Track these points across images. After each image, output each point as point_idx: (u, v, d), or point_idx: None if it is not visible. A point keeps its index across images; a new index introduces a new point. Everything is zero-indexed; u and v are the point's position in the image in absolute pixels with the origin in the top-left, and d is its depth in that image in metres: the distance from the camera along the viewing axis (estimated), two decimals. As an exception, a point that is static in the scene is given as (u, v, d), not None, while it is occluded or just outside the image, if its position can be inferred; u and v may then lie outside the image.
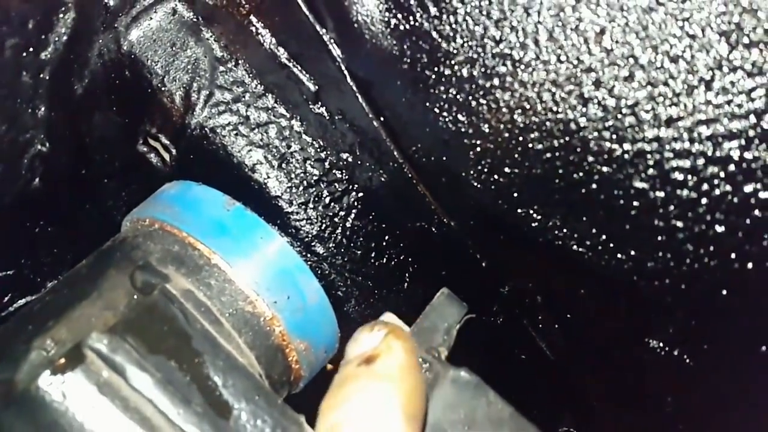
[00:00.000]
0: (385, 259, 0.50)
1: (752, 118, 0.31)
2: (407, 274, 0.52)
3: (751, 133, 0.32)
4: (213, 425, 0.32)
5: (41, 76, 0.35)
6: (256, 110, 0.44)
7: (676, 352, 0.43)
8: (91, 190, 0.50)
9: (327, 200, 0.46)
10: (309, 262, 0.46)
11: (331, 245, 0.47)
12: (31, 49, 0.33)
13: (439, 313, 0.42)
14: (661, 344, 0.43)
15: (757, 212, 0.33)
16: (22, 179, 0.38)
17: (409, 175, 0.45)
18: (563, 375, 0.57)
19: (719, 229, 0.34)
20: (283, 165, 0.45)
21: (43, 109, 0.36)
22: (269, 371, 0.41)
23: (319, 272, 0.47)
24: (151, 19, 0.44)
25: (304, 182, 0.45)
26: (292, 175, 0.45)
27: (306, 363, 0.43)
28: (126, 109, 0.46)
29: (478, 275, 0.50)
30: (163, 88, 0.44)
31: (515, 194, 0.41)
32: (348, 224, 0.47)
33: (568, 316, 0.48)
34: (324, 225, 0.46)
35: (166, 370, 0.32)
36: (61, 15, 0.34)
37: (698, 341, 0.41)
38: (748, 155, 0.32)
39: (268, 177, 0.44)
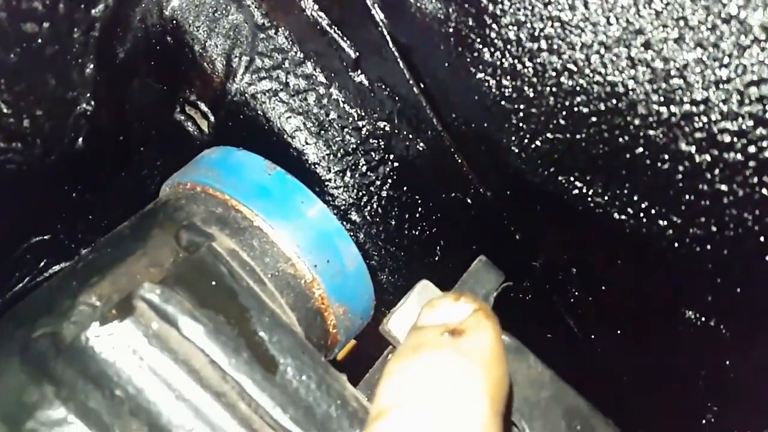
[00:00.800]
0: (418, 231, 0.50)
1: (806, 78, 0.31)
2: (440, 246, 0.52)
3: (804, 93, 0.31)
4: (263, 376, 0.32)
5: (91, 33, 0.35)
6: (296, 77, 0.45)
7: (712, 323, 0.43)
8: (128, 157, 0.50)
9: (363, 169, 0.46)
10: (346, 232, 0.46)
11: (366, 214, 0.47)
12: (83, 5, 0.34)
13: (477, 279, 0.43)
14: (698, 314, 0.43)
15: (806, 174, 0.33)
16: (67, 137, 0.38)
17: (447, 144, 0.45)
18: (591, 354, 0.57)
19: (765, 192, 0.34)
20: (322, 132, 0.45)
21: (90, 67, 0.37)
22: (309, 334, 0.42)
23: (354, 240, 0.47)
24: (193, -15, 0.44)
25: (342, 150, 0.45)
26: (330, 143, 0.45)
27: (343, 328, 0.43)
28: (166, 75, 0.46)
29: (511, 248, 0.51)
30: (204, 54, 0.44)
31: (557, 161, 0.41)
32: (383, 194, 0.47)
33: (603, 288, 0.48)
34: (360, 193, 0.46)
35: (216, 323, 0.33)
36: (111, -27, 0.35)
37: (736, 310, 0.41)
38: (799, 116, 0.32)
39: (307, 144, 0.45)
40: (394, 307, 0.44)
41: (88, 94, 0.37)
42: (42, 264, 0.49)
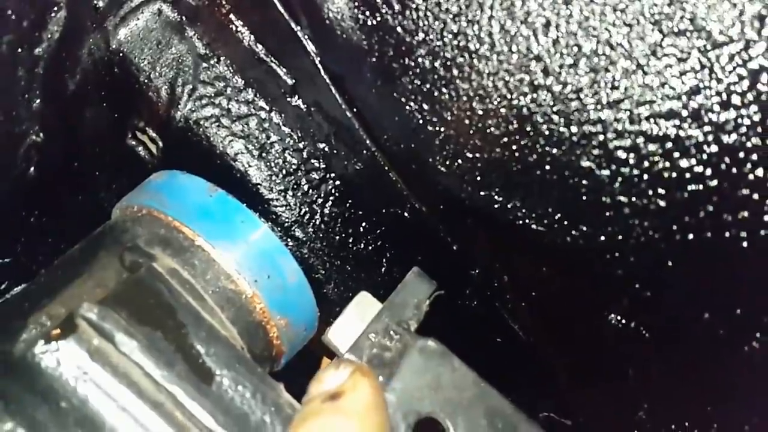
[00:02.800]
0: (362, 245, 0.53)
1: (684, 99, 0.34)
2: (384, 259, 0.55)
3: (684, 112, 0.35)
4: (196, 387, 0.35)
5: (35, 70, 0.38)
6: (237, 103, 0.47)
7: (632, 325, 0.46)
8: (83, 182, 0.53)
9: (305, 188, 0.49)
10: (289, 246, 0.49)
11: (309, 230, 0.50)
12: (25, 46, 0.36)
13: (410, 289, 0.45)
14: (619, 317, 0.46)
15: (692, 186, 0.36)
16: (18, 168, 0.41)
17: (382, 163, 0.48)
18: (537, 357, 0.60)
19: (661, 203, 0.37)
20: (263, 154, 0.48)
21: (37, 102, 0.39)
22: (251, 346, 0.44)
23: (299, 256, 0.50)
24: (138, 19, 0.47)
25: (283, 171, 0.48)
26: (272, 164, 0.48)
27: (286, 339, 0.46)
28: (115, 104, 0.49)
29: (450, 259, 0.53)
30: (149, 84, 0.47)
31: (478, 178, 0.44)
32: (326, 211, 0.50)
33: (533, 294, 0.51)
34: (303, 211, 0.49)
35: (152, 339, 0.35)
36: (53, 14, 0.37)
37: (651, 313, 0.44)
38: (681, 133, 0.35)
39: (249, 166, 0.47)
40: (335, 319, 0.46)
41: (37, 127, 0.40)
42: (3, 286, 0.51)
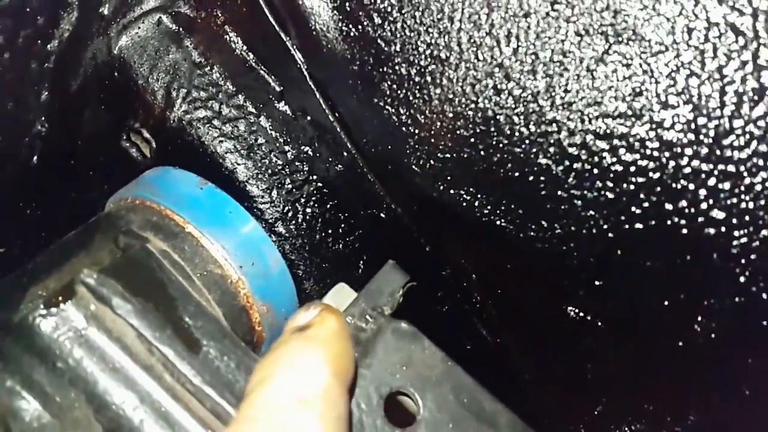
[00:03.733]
0: (341, 245, 0.57)
1: (628, 100, 0.39)
2: (361, 259, 0.58)
3: (628, 112, 0.39)
4: (186, 350, 0.38)
5: (45, 65, 0.42)
6: (228, 107, 0.51)
7: (589, 317, 0.50)
8: (78, 180, 0.56)
9: (289, 187, 0.53)
10: (272, 241, 0.52)
11: (292, 227, 0.53)
12: (39, 41, 0.40)
13: (384, 279, 0.49)
14: (576, 310, 0.50)
15: (637, 178, 0.40)
16: (23, 155, 0.44)
17: (361, 164, 0.52)
18: (503, 360, 0.63)
19: (609, 195, 0.42)
20: (251, 154, 0.51)
21: (45, 95, 0.43)
22: (234, 329, 0.47)
23: (281, 251, 0.53)
24: (138, 28, 0.51)
25: (269, 170, 0.52)
26: (258, 164, 0.52)
27: (267, 325, 0.49)
28: (113, 106, 0.52)
29: (423, 259, 0.57)
30: (147, 87, 0.51)
31: (448, 177, 0.48)
32: (308, 210, 0.54)
33: (499, 291, 0.54)
34: (286, 209, 0.53)
35: (144, 305, 0.38)
36: (66, 14, 0.41)
37: (604, 302, 0.48)
38: (626, 130, 0.40)
39: (237, 164, 0.51)
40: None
41: (43, 118, 0.44)
42: (-4, 276, 0.54)
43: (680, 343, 0.45)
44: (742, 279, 0.40)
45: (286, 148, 0.53)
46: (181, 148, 0.52)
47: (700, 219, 0.40)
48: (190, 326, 0.40)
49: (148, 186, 0.48)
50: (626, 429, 0.54)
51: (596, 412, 0.56)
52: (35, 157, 0.45)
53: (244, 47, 0.50)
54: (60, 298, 0.38)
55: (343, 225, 0.56)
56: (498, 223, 0.48)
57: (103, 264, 0.42)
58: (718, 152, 0.38)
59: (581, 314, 0.50)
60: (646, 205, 0.41)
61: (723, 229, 0.39)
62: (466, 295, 0.59)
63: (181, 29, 0.52)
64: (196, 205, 0.47)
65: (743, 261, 0.40)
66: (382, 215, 0.55)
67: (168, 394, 0.37)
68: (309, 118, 0.51)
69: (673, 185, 0.40)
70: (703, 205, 0.39)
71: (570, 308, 0.50)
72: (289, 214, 0.53)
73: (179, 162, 0.51)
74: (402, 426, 0.42)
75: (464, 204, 0.48)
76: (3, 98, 0.40)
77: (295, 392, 0.34)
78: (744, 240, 0.39)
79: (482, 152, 0.45)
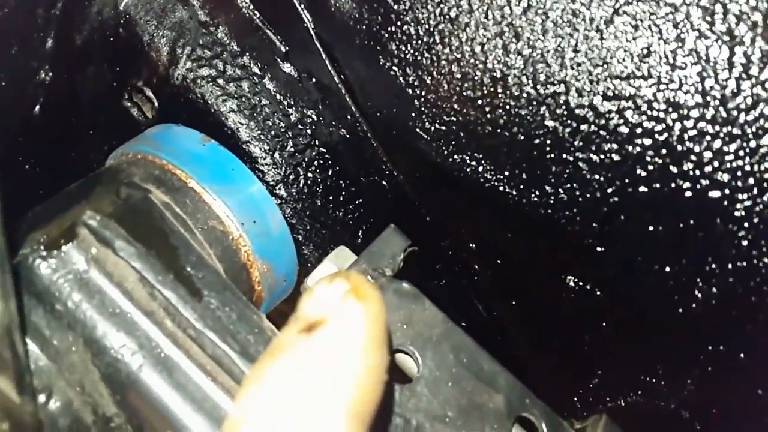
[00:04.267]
0: (341, 212, 0.56)
1: (636, 60, 0.39)
2: (361, 228, 0.58)
3: (637, 72, 0.39)
4: (188, 295, 0.37)
5: (52, 11, 0.41)
6: (233, 67, 0.51)
7: (589, 286, 0.50)
8: (77, 139, 0.55)
9: (291, 150, 0.53)
10: (273, 203, 0.52)
11: (293, 191, 0.53)
12: (46, -15, 0.40)
13: (386, 242, 0.49)
14: (576, 279, 0.50)
15: (643, 140, 0.40)
16: (25, 104, 0.44)
17: (365, 129, 0.52)
18: (499, 335, 0.63)
19: (615, 157, 0.42)
20: (254, 115, 0.51)
21: (50, 42, 0.42)
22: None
23: (282, 213, 0.53)
24: (145, -16, 0.51)
25: (272, 132, 0.52)
26: (261, 125, 0.51)
27: (267, 285, 0.49)
28: (117, 63, 0.52)
29: (423, 229, 0.57)
30: (151, 44, 0.51)
31: (453, 141, 0.48)
32: (309, 175, 0.54)
33: (498, 261, 0.54)
34: (288, 171, 0.52)
35: (147, 249, 0.38)
36: (74, -41, 0.41)
37: (605, 268, 0.48)
38: (633, 91, 0.40)
39: (240, 124, 0.51)
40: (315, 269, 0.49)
41: (47, 66, 0.43)
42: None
43: (680, 310, 0.45)
44: (744, 243, 0.40)
45: (290, 110, 0.52)
46: (184, 107, 0.51)
47: (705, 182, 0.40)
48: (192, 275, 0.40)
49: (150, 141, 0.48)
50: (621, 401, 0.54)
51: (591, 384, 0.56)
52: (37, 107, 0.44)
53: (251, 6, 0.50)
54: (61, 241, 0.37)
55: (344, 192, 0.56)
56: (501, 188, 0.48)
57: (105, 211, 0.42)
58: (724, 114, 0.38)
59: (581, 283, 0.50)
60: (651, 167, 0.41)
61: (727, 191, 0.40)
62: (463, 268, 0.59)
63: (187, -13, 0.51)
64: (199, 161, 0.47)
65: (746, 224, 0.40)
66: (383, 183, 0.55)
67: (169, 340, 0.36)
68: (314, 80, 0.51)
69: (679, 147, 0.40)
70: (708, 168, 0.40)
71: (570, 277, 0.50)
72: (291, 178, 0.52)
73: (182, 121, 0.51)
74: (401, 383, 0.41)
75: (468, 170, 0.48)
76: (8, 41, 0.39)
77: None
78: (748, 203, 0.39)
79: (489, 114, 0.45)
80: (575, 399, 0.58)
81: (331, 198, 0.55)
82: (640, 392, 0.53)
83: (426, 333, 0.43)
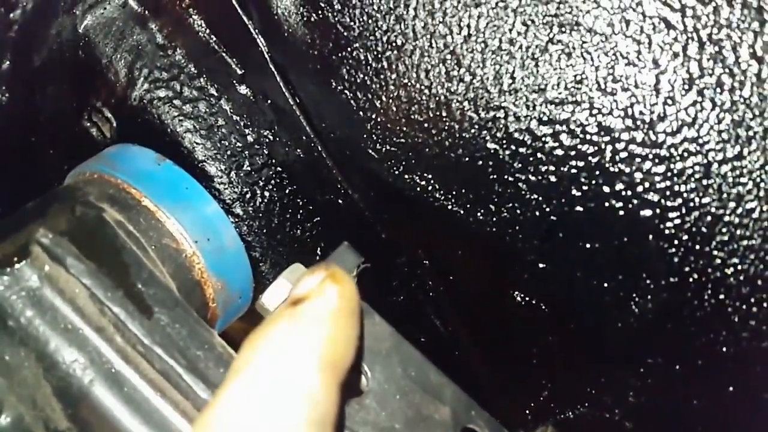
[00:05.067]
0: (298, 230, 0.58)
1: (570, 87, 0.41)
2: (319, 246, 0.60)
3: (571, 98, 0.42)
4: (139, 312, 0.38)
5: (9, 34, 0.43)
6: (189, 88, 0.53)
7: (534, 301, 0.52)
8: (37, 159, 0.56)
9: (248, 169, 0.54)
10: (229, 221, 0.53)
11: (249, 209, 0.54)
12: (2, 8, 0.41)
13: (339, 258, 0.50)
14: (522, 295, 0.52)
15: (578, 162, 0.43)
16: (-20, 124, 0.45)
17: (320, 149, 0.53)
18: (455, 351, 0.64)
19: (552, 178, 0.44)
20: (210, 135, 0.52)
21: (6, 64, 0.43)
22: (188, 304, 0.48)
23: (238, 232, 0.54)
24: (104, 9, 0.52)
25: (228, 152, 0.53)
26: (217, 145, 0.53)
27: (221, 302, 0.50)
28: (76, 84, 0.53)
29: (379, 247, 0.59)
30: (110, 66, 0.52)
31: (403, 162, 0.50)
32: (266, 193, 0.55)
33: (450, 278, 0.56)
34: (244, 190, 0.54)
35: (98, 267, 0.39)
36: (31, -16, 0.42)
37: (548, 286, 0.50)
38: (566, 116, 0.42)
39: (196, 144, 0.52)
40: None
41: (3, 87, 0.44)
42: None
43: (618, 324, 0.47)
44: (675, 259, 0.43)
45: (246, 131, 0.54)
46: (141, 127, 0.52)
47: (636, 201, 0.42)
48: (143, 292, 0.41)
49: (106, 161, 0.49)
50: (570, 413, 0.56)
51: (542, 398, 0.58)
52: (-7, 128, 0.45)
53: (208, 30, 0.52)
54: (14, 259, 0.38)
55: (301, 210, 0.57)
56: (449, 207, 0.49)
57: (58, 229, 0.43)
58: (652, 137, 0.41)
59: (526, 298, 0.52)
60: (585, 188, 0.43)
61: (657, 210, 0.42)
62: (419, 284, 0.60)
63: (146, 12, 0.53)
64: (153, 179, 0.48)
65: (676, 242, 0.42)
66: (339, 201, 0.57)
67: (119, 356, 0.37)
68: (269, 101, 0.53)
69: (611, 168, 0.42)
70: (639, 188, 0.42)
71: (516, 292, 0.52)
72: (247, 196, 0.54)
73: (139, 141, 0.52)
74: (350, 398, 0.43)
75: (418, 189, 0.50)
76: (-37, 63, 0.41)
77: (272, 389, 0.29)
78: (677, 221, 0.42)
79: (435, 137, 0.47)
80: (527, 412, 0.59)
81: (287, 216, 0.57)
82: (586, 405, 0.55)
83: (375, 347, 0.44)
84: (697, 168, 0.40)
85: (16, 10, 0.42)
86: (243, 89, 0.53)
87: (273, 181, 0.55)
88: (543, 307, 0.52)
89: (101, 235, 0.42)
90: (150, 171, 0.48)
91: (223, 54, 0.52)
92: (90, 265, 0.38)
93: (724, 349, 0.44)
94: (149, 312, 0.40)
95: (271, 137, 0.54)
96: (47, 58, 0.50)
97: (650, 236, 0.43)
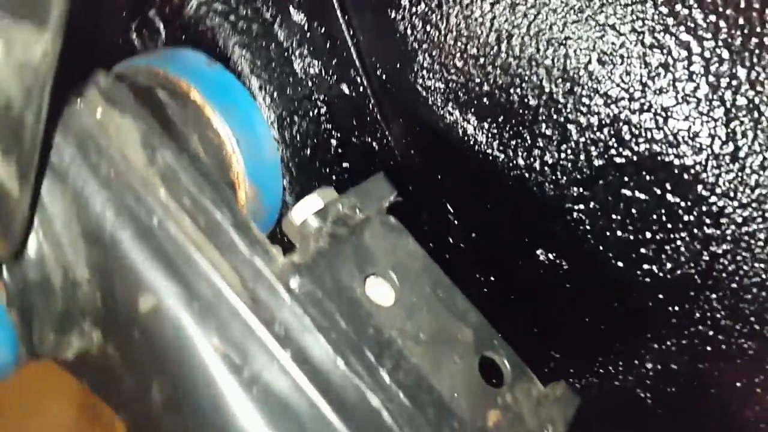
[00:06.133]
0: (327, 169, 0.57)
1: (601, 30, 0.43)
2: (344, 189, 0.59)
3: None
4: (190, 163, 0.37)
5: None
6: (245, 7, 0.53)
7: (558, 260, 0.51)
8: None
9: (290, 95, 0.54)
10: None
11: (285, 134, 0.54)
12: None
13: (375, 184, 0.49)
14: (547, 253, 0.52)
15: (631, 104, 0.43)
16: None
17: (365, 87, 0.54)
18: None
19: (606, 120, 0.45)
20: (258, 53, 0.53)
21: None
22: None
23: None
24: None
25: (275, 73, 0.53)
26: (265, 66, 0.53)
27: (250, 212, 0.49)
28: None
29: (405, 198, 0.58)
30: (171, -26, 0.52)
31: (450, 100, 0.50)
32: (304, 124, 0.55)
33: (473, 236, 0.56)
34: (283, 114, 0.53)
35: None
36: None
37: (578, 237, 0.49)
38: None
39: (244, 59, 0.52)
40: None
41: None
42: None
43: (647, 280, 0.47)
44: (715, 209, 0.43)
45: (294, 59, 0.54)
46: (192, 39, 0.52)
47: (684, 148, 0.43)
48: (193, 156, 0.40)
49: (156, 56, 0.49)
50: (577, 383, 0.55)
51: (553, 363, 0.57)
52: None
53: (274, -48, 0.53)
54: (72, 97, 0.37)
55: (334, 150, 0.57)
56: (490, 152, 0.50)
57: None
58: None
59: (550, 256, 0.52)
60: (635, 130, 0.44)
61: (705, 156, 0.43)
62: (441, 242, 0.60)
63: (214, -72, 0.53)
64: (203, 76, 0.48)
65: (718, 190, 0.43)
66: (374, 144, 0.56)
67: (160, 209, 0.36)
68: (323, 30, 0.53)
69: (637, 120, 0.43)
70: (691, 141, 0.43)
71: (541, 251, 0.52)
72: (286, 121, 0.53)
73: (188, 52, 0.52)
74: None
75: (460, 131, 0.50)
76: None
77: None
78: (724, 173, 0.42)
79: (489, 74, 0.47)
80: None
81: (320, 152, 0.56)
82: (601, 371, 0.54)
83: (407, 263, 0.43)
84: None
85: None
86: (298, 16, 0.53)
87: (311, 114, 0.55)
88: (565, 266, 0.51)
89: (152, 104, 0.41)
90: (201, 69, 0.48)
91: (285, -23, 0.53)
92: (145, 112, 0.37)
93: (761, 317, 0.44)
94: (201, 167, 0.39)
95: (317, 69, 0.54)
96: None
97: (697, 186, 0.43)
